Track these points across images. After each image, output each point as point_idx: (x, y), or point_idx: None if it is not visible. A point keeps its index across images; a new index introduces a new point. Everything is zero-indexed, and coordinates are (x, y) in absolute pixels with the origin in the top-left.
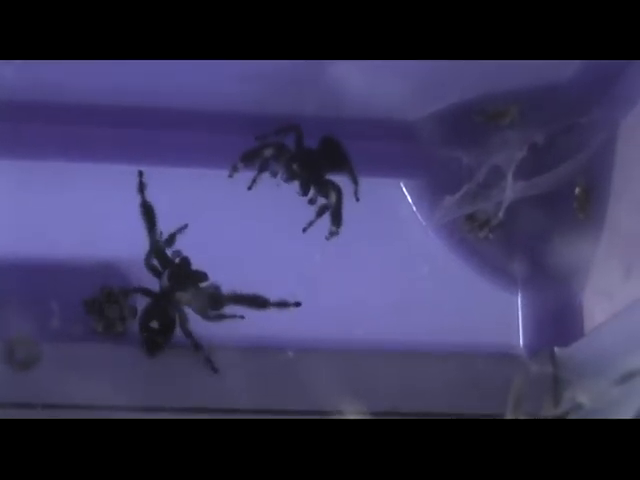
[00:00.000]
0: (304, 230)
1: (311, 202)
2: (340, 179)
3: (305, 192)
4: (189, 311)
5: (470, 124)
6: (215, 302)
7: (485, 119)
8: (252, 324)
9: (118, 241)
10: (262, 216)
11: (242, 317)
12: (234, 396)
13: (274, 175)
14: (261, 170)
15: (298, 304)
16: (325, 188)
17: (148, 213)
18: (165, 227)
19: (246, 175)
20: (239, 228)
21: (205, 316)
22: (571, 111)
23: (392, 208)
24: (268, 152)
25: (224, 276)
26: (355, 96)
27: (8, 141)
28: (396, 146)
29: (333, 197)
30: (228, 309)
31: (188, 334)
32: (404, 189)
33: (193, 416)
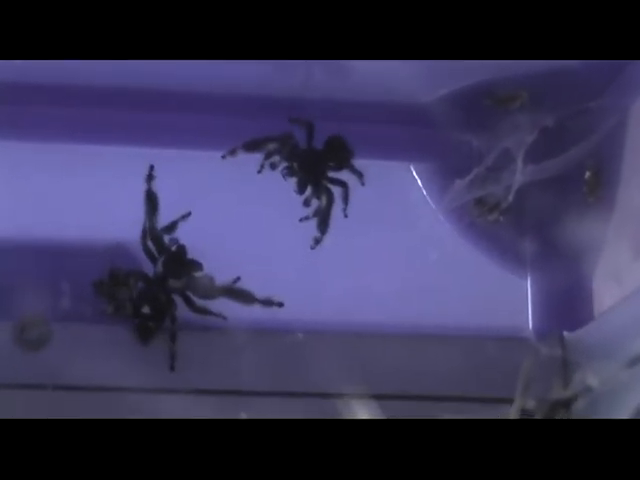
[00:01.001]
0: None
1: (306, 203)
2: (343, 175)
3: (301, 191)
4: (179, 300)
5: (480, 108)
6: (207, 293)
7: (495, 103)
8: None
9: (126, 223)
10: (270, 199)
11: (224, 318)
12: (245, 377)
13: (274, 168)
14: (267, 158)
15: (281, 304)
16: (320, 191)
17: (151, 200)
18: (167, 211)
19: (251, 158)
20: (245, 212)
21: (191, 305)
22: (581, 96)
23: (402, 192)
24: (272, 146)
25: (229, 261)
26: (365, 79)
27: (17, 123)
28: (406, 129)
29: (324, 202)
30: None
31: (173, 320)
32: (414, 172)
33: (203, 398)
